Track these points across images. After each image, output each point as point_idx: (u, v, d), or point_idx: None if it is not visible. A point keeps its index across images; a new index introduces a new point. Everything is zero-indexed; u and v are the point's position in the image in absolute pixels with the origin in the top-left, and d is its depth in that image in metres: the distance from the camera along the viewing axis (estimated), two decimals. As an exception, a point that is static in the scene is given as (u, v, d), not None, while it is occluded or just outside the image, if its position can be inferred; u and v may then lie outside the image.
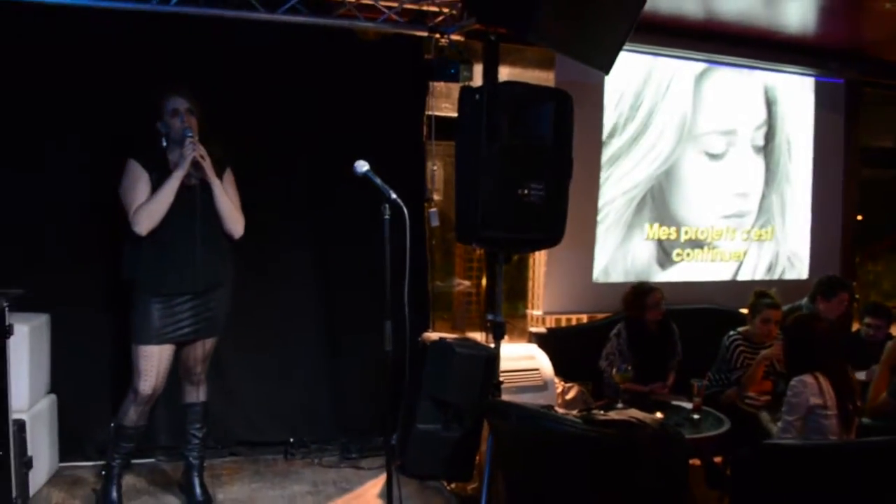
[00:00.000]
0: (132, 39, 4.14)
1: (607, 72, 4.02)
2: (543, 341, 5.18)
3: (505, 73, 5.21)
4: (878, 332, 4.74)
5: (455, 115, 3.90)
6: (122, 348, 3.95)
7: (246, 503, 3.99)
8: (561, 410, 3.97)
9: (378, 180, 3.08)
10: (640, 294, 4.86)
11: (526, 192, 3.65)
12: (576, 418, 3.26)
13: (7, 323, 3.28)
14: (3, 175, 4.06)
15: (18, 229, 4.09)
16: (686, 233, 5.94)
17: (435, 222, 4.83)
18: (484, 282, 5.18)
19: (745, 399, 4.39)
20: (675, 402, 4.40)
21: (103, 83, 4.14)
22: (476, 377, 3.98)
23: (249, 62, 4.41)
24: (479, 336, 4.74)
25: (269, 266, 4.54)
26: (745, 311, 4.95)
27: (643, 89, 5.69)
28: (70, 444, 4.22)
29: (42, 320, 3.99)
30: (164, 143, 3.61)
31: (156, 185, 3.50)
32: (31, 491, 3.72)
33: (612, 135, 5.61)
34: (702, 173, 5.96)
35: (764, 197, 6.24)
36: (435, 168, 4.94)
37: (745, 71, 6.07)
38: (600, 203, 5.59)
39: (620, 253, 5.74)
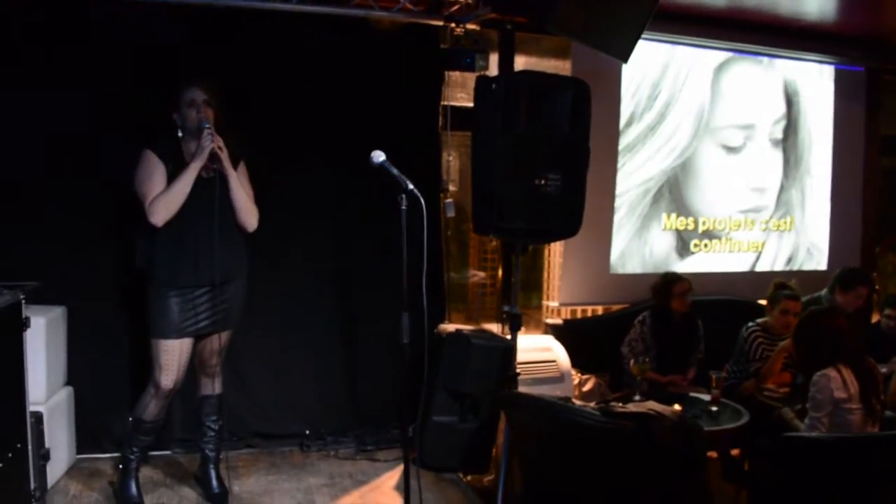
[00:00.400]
0: (147, 32, 4.13)
1: (626, 60, 3.99)
2: (560, 332, 5.16)
3: (521, 62, 5.19)
4: (899, 323, 4.68)
5: (471, 105, 3.87)
6: (139, 340, 3.97)
7: (262, 495, 3.98)
8: (578, 402, 3.96)
9: (395, 170, 3.04)
10: (668, 282, 4.92)
11: (543, 182, 3.63)
12: (593, 410, 3.23)
13: (24, 315, 3.28)
14: (20, 170, 4.06)
15: (35, 222, 4.09)
16: (703, 223, 5.89)
17: (451, 213, 4.82)
18: (499, 273, 5.15)
19: (763, 391, 4.35)
20: (693, 395, 4.39)
21: (116, 80, 4.14)
22: (493, 369, 3.97)
23: (263, 53, 4.39)
24: (494, 327, 4.72)
25: (283, 258, 4.52)
26: (763, 302, 4.91)
27: (661, 79, 5.63)
28: (87, 436, 4.23)
29: (58, 313, 3.99)
30: (180, 135, 3.58)
31: (171, 177, 3.47)
32: (49, 483, 3.73)
33: (628, 123, 5.56)
34: (719, 167, 5.90)
35: (783, 190, 6.16)
36: (450, 158, 4.91)
37: (765, 62, 5.99)
38: (615, 193, 5.55)
39: (637, 243, 5.69)
